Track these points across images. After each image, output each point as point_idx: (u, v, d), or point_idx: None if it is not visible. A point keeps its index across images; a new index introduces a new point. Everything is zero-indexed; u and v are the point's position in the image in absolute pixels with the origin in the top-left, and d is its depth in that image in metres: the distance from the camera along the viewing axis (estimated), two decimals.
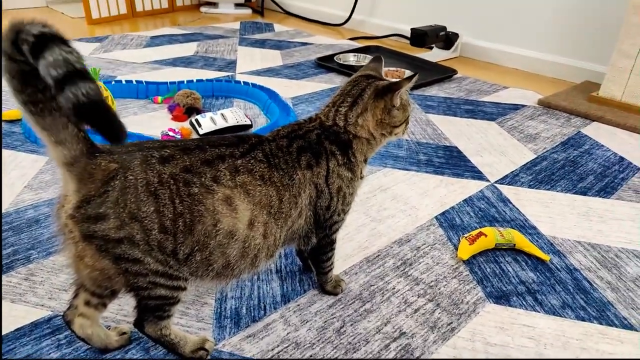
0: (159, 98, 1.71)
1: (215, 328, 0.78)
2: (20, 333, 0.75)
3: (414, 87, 1.94)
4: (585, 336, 0.80)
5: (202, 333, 0.77)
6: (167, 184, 0.60)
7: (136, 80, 1.78)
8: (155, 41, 2.51)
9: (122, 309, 0.81)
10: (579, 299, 0.89)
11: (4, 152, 1.31)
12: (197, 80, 1.80)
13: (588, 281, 0.93)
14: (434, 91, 1.95)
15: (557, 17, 2.13)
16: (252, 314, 0.82)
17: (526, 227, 1.09)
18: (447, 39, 2.40)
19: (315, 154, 0.72)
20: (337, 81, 2.01)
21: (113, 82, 1.74)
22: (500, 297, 0.88)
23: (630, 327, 0.83)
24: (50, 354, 0.72)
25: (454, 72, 2.12)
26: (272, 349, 0.75)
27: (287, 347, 0.76)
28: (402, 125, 0.79)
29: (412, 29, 2.30)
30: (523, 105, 1.83)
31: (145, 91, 1.75)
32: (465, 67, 2.28)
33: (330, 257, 0.84)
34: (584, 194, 1.24)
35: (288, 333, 0.78)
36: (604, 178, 1.32)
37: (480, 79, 2.12)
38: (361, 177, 0.79)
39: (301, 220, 0.73)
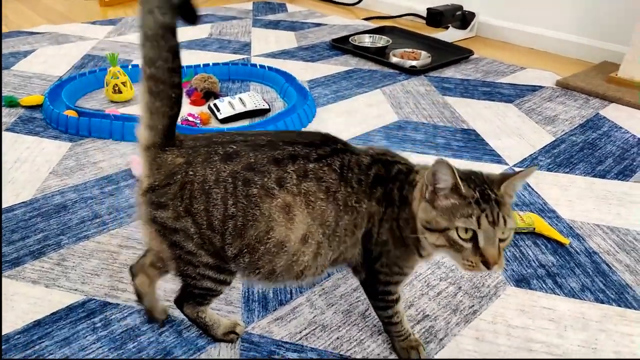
0: None
1: (244, 311, 0.81)
2: (56, 317, 0.79)
3: (431, 69, 1.92)
4: (605, 318, 0.82)
5: (231, 316, 0.80)
6: (223, 183, 0.60)
7: None
8: None
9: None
10: (598, 282, 0.90)
11: (28, 138, 1.34)
12: (214, 64, 1.81)
13: (607, 264, 0.94)
14: (451, 73, 1.93)
15: None
16: (279, 298, 0.84)
17: (545, 211, 1.10)
18: (464, 19, 2.36)
19: (388, 192, 0.64)
20: (352, 63, 1.99)
21: (130, 67, 1.75)
22: (521, 280, 0.90)
23: None
24: (86, 336, 0.76)
25: (471, 52, 2.09)
26: (300, 332, 0.78)
27: (314, 329, 0.78)
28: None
29: (428, 9, 2.26)
30: (541, 87, 1.81)
31: None
32: (481, 47, 2.24)
33: (384, 310, 0.72)
34: (603, 177, 1.24)
35: (315, 316, 0.81)
36: (622, 161, 1.32)
37: (497, 59, 2.09)
38: (420, 255, 0.66)
39: (355, 250, 0.67)
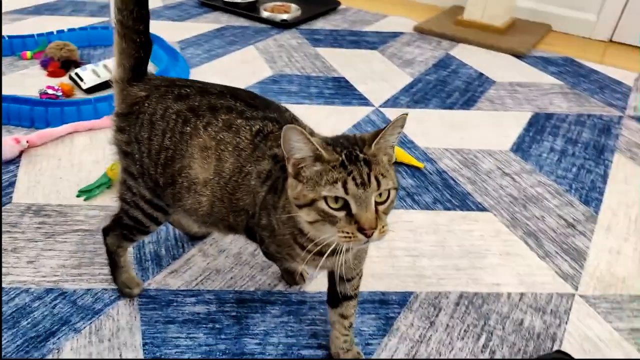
0: (28, 53, 1.56)
1: (137, 271, 0.84)
2: None
3: (301, 22, 1.98)
4: (451, 221, 1.00)
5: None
6: (167, 118, 0.66)
7: None
8: None
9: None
10: (446, 194, 1.08)
11: None
12: (69, 30, 1.66)
13: (453, 179, 1.13)
14: (320, 24, 2.01)
15: None
16: (172, 253, 0.89)
17: (405, 142, 1.26)
18: None
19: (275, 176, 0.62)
20: (223, 20, 1.97)
21: None
22: None
23: (483, 208, 1.04)
24: None
25: (338, 3, 2.19)
26: (196, 279, 0.84)
27: (209, 274, 0.85)
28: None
29: None
30: (401, 33, 1.98)
31: (10, 47, 1.58)
32: None
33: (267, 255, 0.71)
34: (451, 108, 1.44)
35: (208, 263, 0.87)
36: (466, 93, 1.54)
37: (363, 8, 2.22)
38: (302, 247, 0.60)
39: (239, 220, 0.67)
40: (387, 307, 0.81)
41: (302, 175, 0.54)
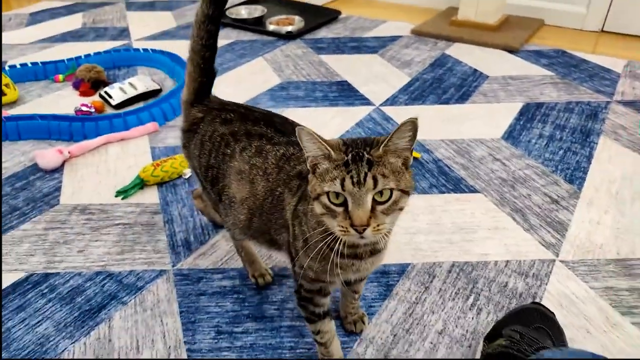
0: (60, 76, 1.73)
1: (171, 255, 0.98)
2: (4, 293, 0.90)
3: (305, 32, 2.12)
4: (445, 203, 1.12)
5: (161, 261, 0.97)
6: (212, 141, 0.77)
7: (31, 62, 1.77)
8: (36, 18, 2.40)
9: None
10: (442, 180, 1.20)
11: None
12: (95, 54, 1.84)
13: (448, 167, 1.24)
14: (323, 33, 2.15)
15: None
16: (199, 239, 1.02)
17: None
18: None
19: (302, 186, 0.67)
20: (232, 36, 2.13)
21: (7, 67, 1.72)
22: None
23: (475, 190, 1.15)
24: (37, 301, 0.88)
25: (339, 13, 2.32)
26: (221, 259, 0.97)
27: (232, 255, 0.98)
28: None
29: None
30: (399, 36, 2.10)
31: (43, 72, 1.76)
32: (348, 7, 2.48)
33: (301, 307, 0.73)
34: (447, 103, 1.56)
35: (230, 246, 1.00)
36: (461, 88, 1.65)
37: (362, 16, 2.35)
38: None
39: (282, 233, 0.72)
40: (388, 276, 0.93)
41: (316, 171, 0.59)
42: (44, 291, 0.90)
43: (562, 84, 1.66)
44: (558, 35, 2.08)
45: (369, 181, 0.54)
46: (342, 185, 0.55)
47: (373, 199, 0.55)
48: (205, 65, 0.81)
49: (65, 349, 0.80)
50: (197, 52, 0.80)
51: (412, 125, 0.56)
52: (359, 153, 0.56)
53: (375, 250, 0.65)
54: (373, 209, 0.55)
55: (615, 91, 1.60)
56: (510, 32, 2.03)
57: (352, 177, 0.54)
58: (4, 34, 2.20)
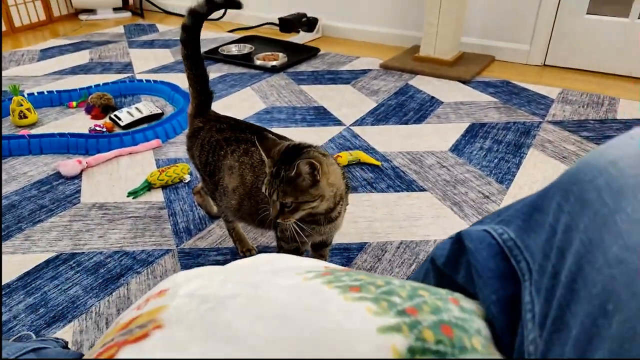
0: (74, 103, 1.99)
1: (175, 239, 1.21)
2: (40, 267, 1.11)
3: (288, 66, 2.43)
4: (399, 198, 1.37)
5: (167, 243, 1.20)
6: (210, 144, 1.00)
7: (48, 91, 2.03)
8: (47, 54, 2.68)
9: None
10: (397, 181, 1.46)
11: None
12: (104, 84, 2.10)
13: (403, 172, 1.51)
14: (303, 67, 2.46)
15: None
16: (198, 227, 1.25)
17: (368, 149, 1.65)
18: (310, 23, 2.91)
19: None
20: (224, 69, 2.42)
21: (26, 94, 1.97)
22: (353, 189, 1.42)
23: (423, 189, 1.41)
24: (67, 272, 1.10)
25: (318, 50, 2.65)
26: (216, 241, 1.20)
27: (224, 239, 1.21)
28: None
29: (279, 18, 2.77)
30: (370, 70, 2.41)
31: (58, 99, 2.01)
32: (327, 45, 2.81)
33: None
34: (406, 123, 1.84)
35: (223, 232, 1.24)
36: (419, 112, 1.94)
37: (339, 53, 2.67)
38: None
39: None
40: (349, 252, 1.17)
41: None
42: (72, 265, 1.12)
43: (503, 108, 1.96)
44: (506, 69, 2.41)
45: (274, 195, 0.80)
46: (266, 190, 0.82)
47: (280, 204, 0.80)
48: (200, 88, 1.07)
49: (93, 304, 1.02)
50: (191, 79, 1.07)
51: (308, 163, 0.77)
52: (279, 169, 0.79)
53: (330, 219, 0.90)
54: (282, 209, 0.81)
55: (547, 113, 1.91)
56: (464, 66, 2.36)
57: (268, 188, 0.81)
58: (19, 68, 2.46)
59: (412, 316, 0.37)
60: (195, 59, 1.05)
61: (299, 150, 0.82)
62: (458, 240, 0.47)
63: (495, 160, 1.57)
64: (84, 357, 0.39)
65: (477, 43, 2.56)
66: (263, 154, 0.83)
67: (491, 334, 0.38)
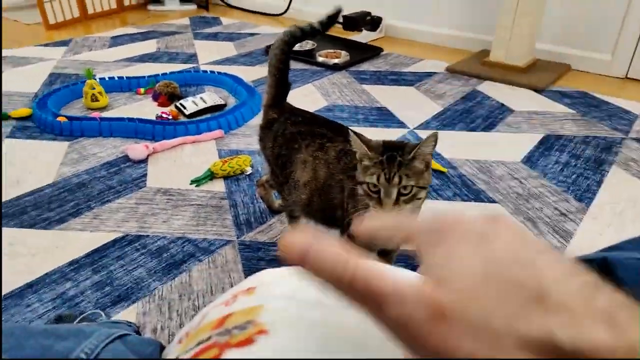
0: (142, 90, 2.04)
1: (236, 230, 1.20)
2: (107, 246, 1.13)
3: (350, 65, 2.39)
4: (466, 208, 1.30)
5: (228, 233, 1.19)
6: (284, 137, 0.98)
7: (118, 77, 2.10)
8: (117, 41, 2.78)
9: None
10: (464, 190, 1.38)
11: (29, 142, 1.63)
12: (171, 73, 2.15)
13: (471, 181, 1.43)
14: (366, 67, 2.41)
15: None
16: (259, 220, 1.24)
17: (434, 155, 1.57)
18: (373, 22, 2.86)
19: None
20: None
21: (98, 79, 2.05)
22: None
23: (493, 201, 1.33)
24: (133, 253, 1.11)
25: (381, 50, 2.59)
26: (276, 236, 1.18)
27: (285, 234, 1.19)
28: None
29: (343, 16, 2.73)
30: (435, 73, 2.33)
31: (128, 85, 2.08)
32: (390, 45, 2.75)
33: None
34: (474, 130, 1.76)
35: (284, 227, 1.21)
36: (488, 119, 1.85)
37: (402, 54, 2.61)
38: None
39: (337, 210, 0.92)
40: (413, 260, 1.11)
41: (361, 164, 0.79)
42: (138, 247, 1.13)
43: (581, 120, 1.83)
44: (583, 79, 2.26)
45: (396, 179, 0.74)
46: (378, 179, 0.75)
47: (398, 191, 0.75)
48: (280, 78, 1.05)
49: (156, 288, 1.02)
50: (273, 67, 1.04)
51: (435, 137, 0.76)
52: (392, 155, 0.75)
53: None
54: (397, 199, 0.75)
55: (631, 129, 1.76)
56: (538, 74, 2.23)
57: (385, 174, 0.74)
58: (91, 53, 2.57)
59: None
60: (290, 47, 1.03)
61: (398, 143, 0.80)
62: (602, 266, 0.41)
63: (573, 176, 1.46)
64: (175, 356, 0.37)
65: (552, 50, 2.41)
66: (364, 146, 0.78)
67: None
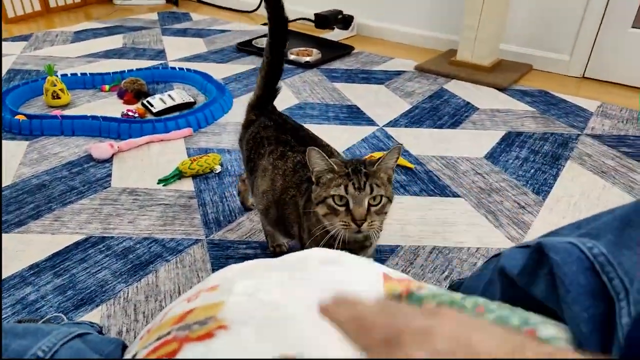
0: (107, 87, 1.99)
1: (205, 229, 1.19)
2: (69, 248, 1.11)
3: (321, 63, 2.40)
4: (432, 203, 1.33)
5: (196, 232, 1.18)
6: (254, 140, 0.97)
7: (81, 73, 2.04)
8: (80, 36, 2.70)
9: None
10: (430, 186, 1.42)
11: None
12: (137, 69, 2.11)
13: (436, 176, 1.47)
14: (337, 65, 2.42)
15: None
16: (228, 219, 1.24)
17: (402, 152, 1.60)
18: (345, 21, 2.88)
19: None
20: (257, 62, 2.40)
21: (60, 75, 1.99)
22: None
23: (457, 195, 1.37)
24: (96, 255, 1.09)
25: (352, 48, 2.61)
26: (245, 234, 1.18)
27: (254, 232, 1.19)
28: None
29: (315, 14, 2.74)
30: (404, 71, 2.37)
31: (92, 82, 2.02)
32: (361, 44, 2.78)
33: None
34: (440, 127, 1.80)
35: (253, 225, 1.21)
36: (454, 117, 1.89)
37: (373, 52, 2.63)
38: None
39: (292, 229, 0.91)
40: (380, 254, 1.14)
41: (320, 182, 0.76)
42: (102, 249, 1.11)
43: (541, 118, 1.90)
44: (544, 79, 2.34)
45: (367, 188, 0.72)
46: (346, 189, 0.73)
47: (368, 202, 0.73)
48: (268, 81, 1.02)
49: (121, 290, 1.00)
50: (264, 69, 1.01)
51: (398, 150, 0.76)
52: (357, 167, 0.75)
53: (364, 246, 0.84)
54: (368, 210, 0.73)
55: (586, 126, 1.84)
56: (501, 73, 2.30)
57: (353, 184, 0.73)
58: (53, 48, 2.49)
59: None
60: (279, 50, 1.00)
61: (356, 159, 0.80)
62: (537, 251, 0.44)
63: (532, 171, 1.52)
64: (136, 352, 0.37)
65: (515, 51, 2.49)
66: (328, 160, 0.75)
67: None
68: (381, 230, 0.81)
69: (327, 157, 0.75)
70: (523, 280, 0.45)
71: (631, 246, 0.39)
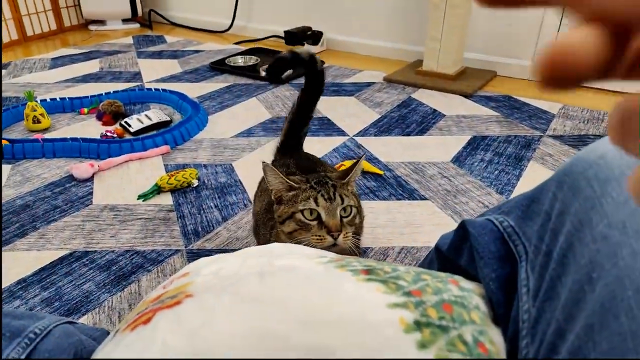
0: (85, 110, 2.04)
1: (184, 240, 1.25)
2: (55, 263, 1.15)
3: (293, 78, 2.49)
4: (400, 206, 1.41)
5: (176, 243, 1.23)
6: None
7: (60, 98, 2.09)
8: (57, 62, 2.75)
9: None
10: (399, 190, 1.50)
11: None
12: (114, 92, 2.16)
13: (405, 181, 1.55)
14: None
15: (394, 13, 2.83)
16: (206, 229, 1.29)
17: (372, 159, 1.69)
18: (314, 36, 2.98)
19: None
20: (230, 80, 2.48)
21: (39, 101, 2.03)
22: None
23: (425, 198, 1.46)
24: (81, 268, 1.14)
25: (322, 62, 2.71)
26: (223, 243, 1.24)
27: (231, 241, 1.25)
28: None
29: (285, 31, 2.84)
30: (373, 82, 2.48)
31: (70, 105, 2.07)
32: (331, 58, 2.88)
33: None
34: (408, 135, 1.89)
35: (230, 235, 1.28)
36: (422, 124, 1.99)
37: (343, 66, 2.74)
38: None
39: None
40: None
41: (282, 200, 0.74)
42: (85, 262, 1.16)
43: (505, 121, 2.01)
44: (508, 84, 2.47)
45: (338, 198, 0.71)
46: (316, 201, 0.70)
47: (339, 213, 0.70)
48: (292, 129, 1.07)
49: (105, 299, 1.05)
50: (291, 118, 1.05)
51: (361, 164, 0.80)
52: (321, 179, 0.73)
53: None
54: (341, 221, 0.70)
55: (548, 128, 1.96)
56: (466, 81, 2.42)
57: (323, 195, 0.70)
58: (31, 75, 2.53)
59: (417, 297, 0.41)
60: (309, 105, 1.03)
61: (318, 173, 0.82)
62: (461, 227, 0.51)
63: (496, 172, 1.61)
64: (118, 328, 0.43)
65: (479, 58, 2.62)
66: (283, 177, 0.74)
67: (489, 309, 0.42)
68: (358, 247, 0.78)
69: (281, 175, 0.73)
70: (451, 254, 0.53)
71: (533, 218, 0.47)
